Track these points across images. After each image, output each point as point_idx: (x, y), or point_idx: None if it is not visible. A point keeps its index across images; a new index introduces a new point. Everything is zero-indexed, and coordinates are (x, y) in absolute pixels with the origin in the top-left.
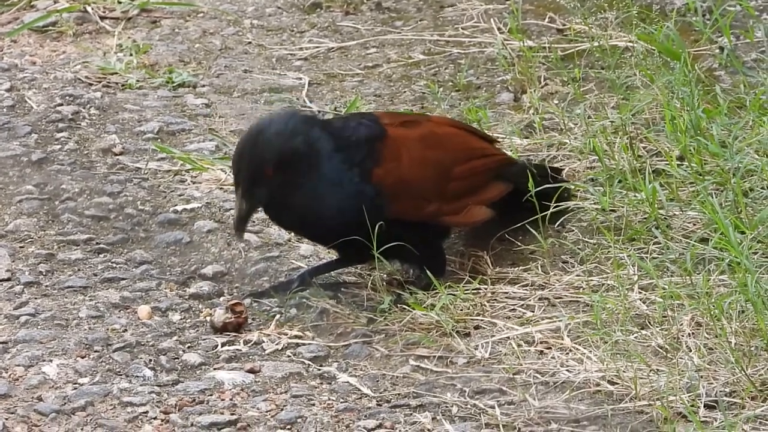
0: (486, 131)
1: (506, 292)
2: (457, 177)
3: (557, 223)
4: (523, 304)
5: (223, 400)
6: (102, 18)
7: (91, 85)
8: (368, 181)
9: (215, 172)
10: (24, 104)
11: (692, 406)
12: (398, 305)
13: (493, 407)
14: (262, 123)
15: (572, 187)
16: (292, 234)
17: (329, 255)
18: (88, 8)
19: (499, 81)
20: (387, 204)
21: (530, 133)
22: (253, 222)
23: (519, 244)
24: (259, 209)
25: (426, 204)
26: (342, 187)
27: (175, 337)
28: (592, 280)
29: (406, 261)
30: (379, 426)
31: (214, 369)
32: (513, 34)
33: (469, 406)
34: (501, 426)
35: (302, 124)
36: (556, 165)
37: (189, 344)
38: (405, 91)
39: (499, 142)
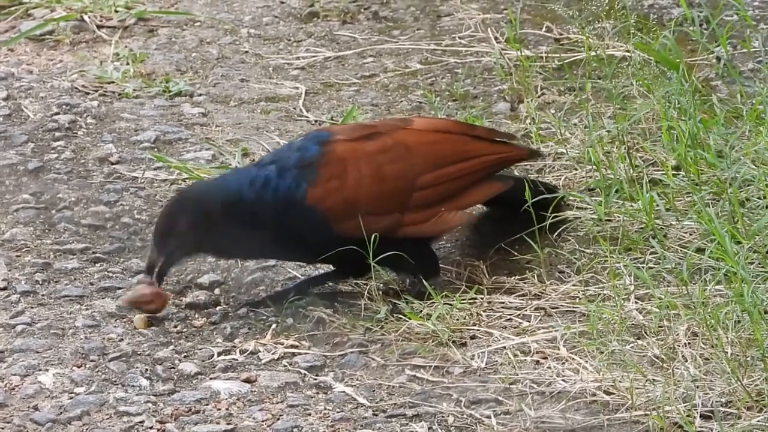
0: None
1: (502, 302)
2: (424, 186)
3: (554, 233)
4: (519, 314)
5: (219, 409)
6: (99, 27)
7: (87, 94)
8: (303, 202)
9: None
10: (20, 113)
11: (688, 416)
12: (394, 315)
13: (489, 417)
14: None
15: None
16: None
17: (326, 267)
18: (85, 17)
19: (496, 90)
20: (330, 223)
21: (527, 142)
22: None
23: (515, 253)
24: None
25: (379, 219)
26: (278, 215)
27: (171, 347)
28: (588, 289)
29: (397, 269)
30: None
31: (210, 378)
32: (510, 44)
33: (465, 416)
34: None
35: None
36: (550, 181)
37: (185, 354)
38: (402, 101)
39: (512, 137)
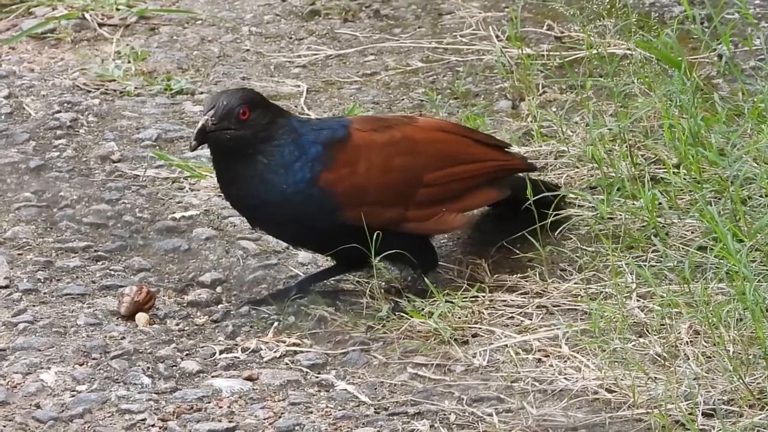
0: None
1: (504, 300)
2: (429, 183)
3: (556, 232)
4: (521, 312)
5: (221, 407)
6: (100, 25)
7: (89, 92)
8: (314, 184)
9: (213, 179)
10: (22, 111)
11: (690, 414)
12: (396, 313)
13: (491, 415)
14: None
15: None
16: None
17: (327, 263)
18: (87, 15)
19: (498, 89)
20: (339, 210)
21: (528, 140)
22: (252, 230)
23: (517, 251)
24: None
25: (384, 211)
26: (288, 177)
27: (173, 345)
28: (590, 288)
29: (394, 262)
30: None
31: (212, 376)
32: (511, 42)
33: (466, 414)
34: None
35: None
36: (552, 179)
37: (187, 352)
38: (403, 99)
39: (508, 146)
